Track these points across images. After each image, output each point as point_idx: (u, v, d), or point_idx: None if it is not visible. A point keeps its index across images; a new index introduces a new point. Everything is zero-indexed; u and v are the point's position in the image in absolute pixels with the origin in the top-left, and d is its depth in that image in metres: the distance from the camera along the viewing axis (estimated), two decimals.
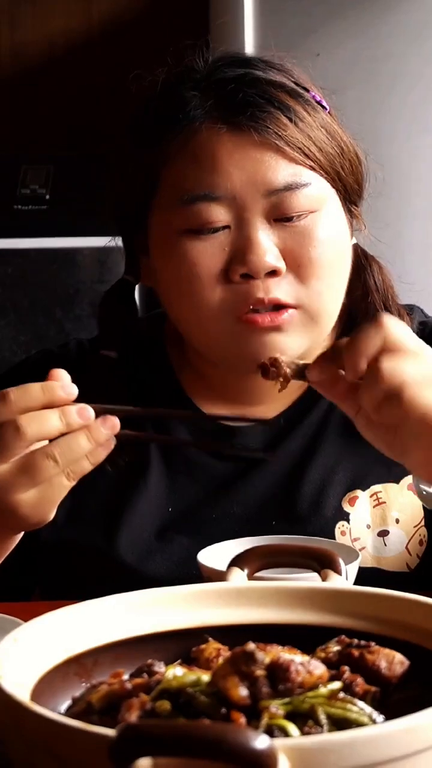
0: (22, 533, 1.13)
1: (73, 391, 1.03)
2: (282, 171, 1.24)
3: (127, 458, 1.34)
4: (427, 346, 1.04)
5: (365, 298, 1.37)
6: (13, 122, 3.03)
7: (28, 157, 2.80)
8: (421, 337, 1.17)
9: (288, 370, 1.06)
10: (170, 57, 1.32)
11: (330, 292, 1.27)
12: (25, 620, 0.80)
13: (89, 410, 1.03)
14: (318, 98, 1.30)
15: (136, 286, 1.41)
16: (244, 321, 1.23)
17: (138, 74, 1.32)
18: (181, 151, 1.26)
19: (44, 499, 1.03)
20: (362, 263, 1.38)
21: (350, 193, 1.31)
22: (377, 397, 1.01)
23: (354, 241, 1.36)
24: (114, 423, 1.03)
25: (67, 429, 1.01)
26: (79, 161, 2.76)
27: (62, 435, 1.02)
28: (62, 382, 1.03)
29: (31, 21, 3.03)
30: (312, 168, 1.25)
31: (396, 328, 1.02)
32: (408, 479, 1.33)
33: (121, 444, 1.05)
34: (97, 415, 1.03)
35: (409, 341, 1.02)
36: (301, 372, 1.07)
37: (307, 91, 1.30)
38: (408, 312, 1.39)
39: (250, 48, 2.34)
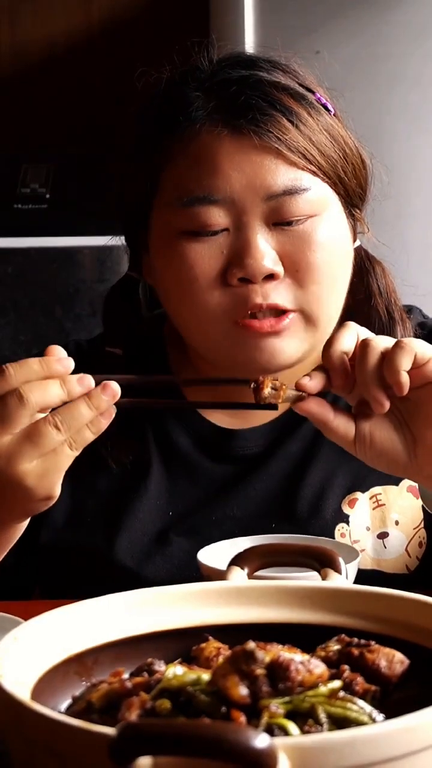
0: (27, 522, 1.12)
1: (70, 364, 1.03)
2: (282, 175, 1.23)
3: (132, 456, 1.34)
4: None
5: (368, 301, 1.37)
6: (13, 121, 3.03)
7: (28, 156, 2.80)
8: (419, 337, 1.18)
9: (281, 393, 1.07)
10: (176, 55, 1.32)
11: (329, 296, 1.26)
12: (25, 619, 0.80)
13: (89, 378, 1.03)
14: (323, 100, 1.29)
15: (140, 283, 1.42)
16: (242, 326, 1.23)
17: (142, 72, 1.32)
18: (182, 152, 1.26)
19: (49, 469, 1.03)
20: (366, 266, 1.38)
21: (352, 197, 1.30)
22: (376, 358, 1.06)
23: (358, 243, 1.35)
24: (114, 391, 1.03)
25: (68, 397, 1.02)
26: (79, 161, 2.76)
27: (64, 404, 1.02)
28: (59, 356, 1.04)
29: (32, 20, 3.03)
30: (313, 172, 1.25)
31: (366, 330, 1.11)
32: (407, 481, 1.33)
33: (121, 412, 1.05)
34: (97, 385, 1.04)
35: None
36: (294, 400, 1.08)
37: (313, 93, 1.29)
38: (407, 312, 1.39)
39: (250, 47, 2.34)
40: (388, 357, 1.05)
